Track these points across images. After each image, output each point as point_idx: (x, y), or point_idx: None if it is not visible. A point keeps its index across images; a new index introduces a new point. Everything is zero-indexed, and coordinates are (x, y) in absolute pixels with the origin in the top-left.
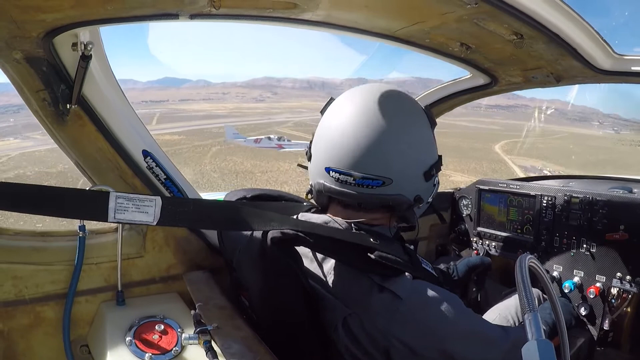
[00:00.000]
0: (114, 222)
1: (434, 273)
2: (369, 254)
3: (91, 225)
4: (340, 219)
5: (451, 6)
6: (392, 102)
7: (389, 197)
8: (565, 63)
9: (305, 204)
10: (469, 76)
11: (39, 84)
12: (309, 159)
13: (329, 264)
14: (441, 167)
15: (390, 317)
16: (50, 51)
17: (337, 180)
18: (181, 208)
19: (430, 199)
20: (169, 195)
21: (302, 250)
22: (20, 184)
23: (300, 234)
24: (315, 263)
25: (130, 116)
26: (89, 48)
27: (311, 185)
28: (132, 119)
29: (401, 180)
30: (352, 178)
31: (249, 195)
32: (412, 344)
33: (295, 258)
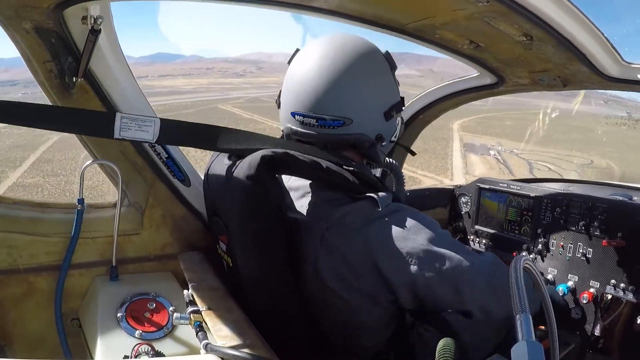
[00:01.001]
0: (118, 139)
1: None
2: (351, 176)
3: (90, 199)
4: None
5: (463, 3)
6: (350, 47)
7: (350, 136)
8: (573, 67)
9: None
10: (476, 75)
11: (47, 55)
12: (279, 106)
13: (307, 188)
14: (402, 108)
15: (370, 222)
16: (60, 23)
17: (302, 123)
18: (176, 129)
19: (394, 138)
20: (170, 175)
21: (284, 181)
22: (27, 103)
23: (289, 152)
24: (296, 194)
25: (136, 93)
26: (98, 22)
27: (282, 131)
28: (137, 96)
29: (361, 120)
30: (314, 120)
31: None
32: (390, 247)
33: (277, 184)
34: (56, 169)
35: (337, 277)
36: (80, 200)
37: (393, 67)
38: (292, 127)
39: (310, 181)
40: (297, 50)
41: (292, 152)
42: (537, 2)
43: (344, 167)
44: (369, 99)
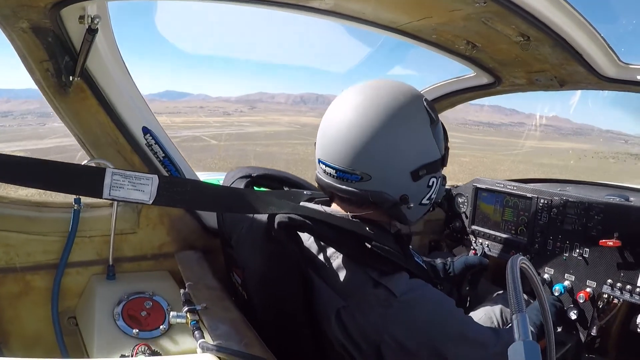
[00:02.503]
0: (108, 199)
1: (424, 266)
2: (366, 244)
3: (87, 198)
4: (341, 210)
5: (460, 4)
6: (383, 97)
7: (368, 193)
8: (570, 68)
9: (305, 192)
10: (472, 74)
11: (44, 54)
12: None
13: (327, 254)
14: (439, 168)
15: (384, 312)
16: (57, 22)
17: (324, 172)
18: (178, 188)
19: (426, 201)
20: (167, 174)
21: (303, 239)
22: (12, 156)
23: (306, 220)
24: (314, 253)
25: (133, 92)
26: (95, 22)
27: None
28: (134, 95)
29: (381, 177)
30: (334, 170)
31: (255, 174)
32: (403, 341)
33: (298, 244)
34: None
35: (343, 346)
36: (77, 200)
37: (433, 120)
38: (318, 174)
39: (330, 247)
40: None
41: (309, 219)
42: (534, 2)
43: (365, 241)
44: (392, 157)
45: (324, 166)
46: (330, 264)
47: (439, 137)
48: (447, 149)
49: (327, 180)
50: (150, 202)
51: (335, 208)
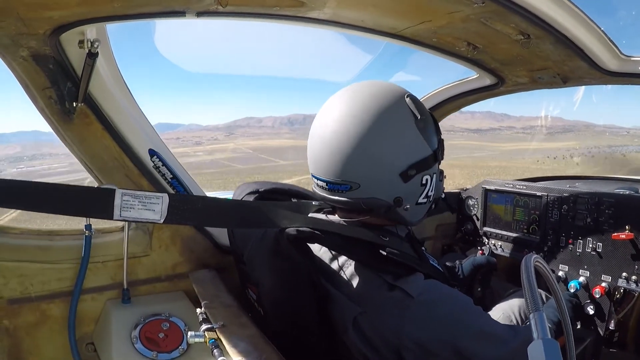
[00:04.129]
0: (119, 220)
1: (440, 269)
2: (380, 251)
3: (97, 224)
4: (348, 219)
5: (458, 5)
6: (362, 103)
7: (360, 201)
8: (572, 64)
9: (314, 203)
10: (475, 76)
11: (46, 81)
12: None
13: (340, 263)
14: (432, 165)
15: (402, 315)
16: (57, 48)
17: (318, 185)
18: (188, 205)
19: (423, 200)
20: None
21: (314, 249)
22: (22, 181)
23: (315, 231)
24: (326, 262)
25: (137, 115)
26: (95, 45)
27: None
28: (138, 118)
29: (370, 183)
30: (325, 183)
31: (262, 189)
32: (424, 343)
33: (309, 256)
34: None
35: (363, 354)
36: (88, 226)
37: (417, 117)
38: (314, 188)
39: (341, 255)
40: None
41: (317, 230)
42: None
43: (377, 246)
44: (377, 162)
45: (316, 180)
46: (344, 272)
47: (428, 133)
48: (440, 142)
49: (321, 193)
50: (162, 220)
51: (338, 217)
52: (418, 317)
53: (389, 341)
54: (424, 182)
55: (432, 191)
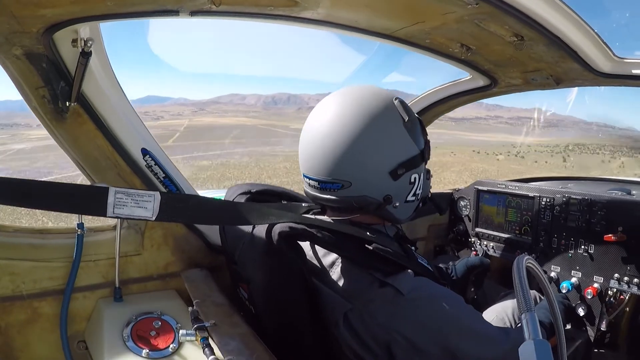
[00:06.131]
0: (112, 217)
1: (429, 268)
2: (367, 246)
3: (89, 223)
4: (337, 219)
5: (452, 6)
6: (353, 104)
7: (351, 199)
8: (565, 65)
9: (304, 205)
10: (468, 78)
11: (39, 80)
12: None
13: (331, 261)
14: (420, 164)
15: (392, 311)
16: (50, 47)
17: (309, 185)
18: (180, 204)
19: (411, 198)
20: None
21: (304, 248)
22: (16, 178)
23: (307, 228)
24: (316, 259)
25: (130, 114)
26: (89, 44)
27: None
28: (131, 117)
29: (361, 182)
30: (317, 183)
31: (254, 190)
32: (413, 339)
33: (299, 253)
34: None
35: (353, 351)
36: (80, 225)
37: (405, 118)
38: (305, 187)
39: (332, 253)
40: None
41: (310, 228)
42: (526, 1)
43: (366, 243)
44: (368, 160)
45: (308, 180)
46: (334, 269)
47: (415, 133)
48: (426, 143)
49: (313, 193)
50: (154, 218)
51: (328, 217)
52: (409, 314)
53: (380, 337)
54: (412, 180)
55: (419, 189)
